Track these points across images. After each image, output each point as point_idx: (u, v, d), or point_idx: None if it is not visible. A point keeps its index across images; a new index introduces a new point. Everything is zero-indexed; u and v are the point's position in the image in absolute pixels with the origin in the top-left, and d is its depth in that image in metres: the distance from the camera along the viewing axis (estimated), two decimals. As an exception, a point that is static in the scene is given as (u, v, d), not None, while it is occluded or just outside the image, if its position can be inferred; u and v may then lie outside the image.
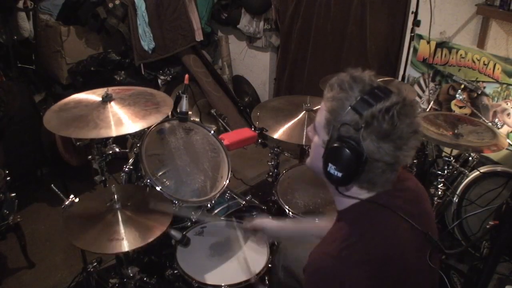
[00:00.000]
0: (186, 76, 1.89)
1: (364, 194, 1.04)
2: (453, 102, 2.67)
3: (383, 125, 0.93)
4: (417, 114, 0.99)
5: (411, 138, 0.97)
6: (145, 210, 1.64)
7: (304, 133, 2.08)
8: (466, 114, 2.53)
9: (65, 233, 1.54)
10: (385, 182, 1.02)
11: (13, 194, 2.22)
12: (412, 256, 1.04)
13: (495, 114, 2.48)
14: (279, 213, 2.10)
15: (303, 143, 2.09)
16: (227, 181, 1.94)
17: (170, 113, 1.96)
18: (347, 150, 0.94)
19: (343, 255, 0.98)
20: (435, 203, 2.15)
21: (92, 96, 1.85)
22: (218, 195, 1.90)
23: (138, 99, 1.86)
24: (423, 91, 2.82)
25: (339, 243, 1.00)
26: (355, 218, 1.06)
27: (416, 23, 2.64)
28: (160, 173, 1.95)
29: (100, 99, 1.80)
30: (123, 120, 1.70)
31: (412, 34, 2.69)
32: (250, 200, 2.07)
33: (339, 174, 0.98)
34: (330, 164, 0.98)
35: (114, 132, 1.64)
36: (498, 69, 2.40)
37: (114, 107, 1.76)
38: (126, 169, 2.00)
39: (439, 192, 2.13)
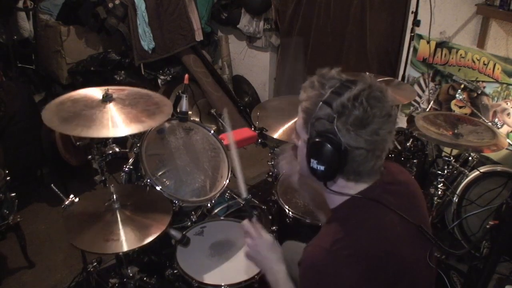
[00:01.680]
0: (186, 76, 1.89)
1: (353, 188, 1.06)
2: (453, 102, 2.67)
3: (355, 112, 0.97)
4: (388, 98, 1.02)
5: (386, 122, 1.00)
6: (145, 210, 1.64)
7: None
8: (466, 114, 2.53)
9: (65, 233, 1.54)
10: (371, 171, 1.04)
11: (13, 194, 2.22)
12: (407, 250, 1.05)
13: (495, 114, 2.48)
14: (279, 213, 2.10)
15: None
16: (227, 181, 1.94)
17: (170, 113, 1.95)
18: (325, 143, 0.98)
19: (335, 248, 0.99)
20: (435, 203, 2.15)
21: (90, 94, 1.80)
22: (218, 195, 1.90)
23: (137, 99, 1.84)
24: (423, 91, 2.82)
25: (331, 237, 1.02)
26: (346, 213, 1.07)
27: (416, 23, 2.64)
28: (160, 173, 1.95)
29: (99, 98, 1.76)
30: (127, 121, 1.68)
31: (412, 34, 2.69)
32: (250, 200, 2.07)
33: (322, 168, 1.01)
34: (312, 160, 1.02)
35: (117, 132, 1.63)
36: (498, 69, 2.40)
37: (114, 108, 1.74)
38: (126, 169, 2.00)
39: (439, 192, 2.13)
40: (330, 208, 1.13)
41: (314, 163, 1.02)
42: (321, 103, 1.00)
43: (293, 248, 1.70)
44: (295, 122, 1.15)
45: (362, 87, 0.99)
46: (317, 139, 1.00)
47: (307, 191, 1.53)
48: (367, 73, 2.18)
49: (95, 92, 1.80)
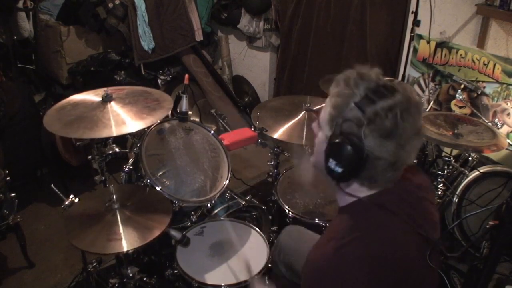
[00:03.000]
0: (186, 76, 1.89)
1: (364, 192, 1.05)
2: (453, 102, 2.67)
3: (386, 123, 0.94)
4: (421, 114, 0.99)
5: (413, 138, 0.98)
6: (145, 210, 1.64)
7: (304, 133, 2.08)
8: (466, 114, 2.53)
9: (65, 233, 1.54)
10: (387, 180, 1.02)
11: (13, 194, 2.22)
12: (413, 256, 1.04)
13: (495, 114, 2.48)
14: (279, 213, 2.10)
15: (303, 143, 2.09)
16: (227, 181, 1.94)
17: (170, 113, 1.96)
18: (348, 146, 0.95)
19: (340, 253, 0.98)
20: (435, 203, 2.15)
21: (89, 97, 1.84)
22: (218, 195, 1.90)
23: (137, 97, 1.86)
24: (423, 91, 2.82)
25: (336, 241, 1.01)
26: (354, 216, 1.06)
27: (416, 23, 2.64)
28: (160, 173, 1.95)
29: (98, 99, 1.79)
30: (128, 119, 1.71)
31: (412, 34, 2.69)
32: (250, 200, 2.07)
33: (339, 170, 0.99)
34: (331, 159, 0.99)
35: (120, 131, 1.65)
36: (498, 69, 2.40)
37: (115, 107, 1.77)
38: (126, 169, 2.00)
39: (439, 192, 2.13)
40: (339, 205, 1.12)
41: (332, 163, 0.99)
42: (353, 104, 0.97)
43: (294, 234, 1.70)
44: (319, 112, 1.10)
45: (400, 99, 0.96)
46: (340, 140, 0.97)
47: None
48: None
49: (94, 95, 1.84)
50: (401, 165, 1.01)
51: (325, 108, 1.05)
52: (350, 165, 0.97)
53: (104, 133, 1.63)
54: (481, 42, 2.45)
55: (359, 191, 1.05)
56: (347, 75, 1.02)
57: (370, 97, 0.96)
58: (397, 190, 1.06)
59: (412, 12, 2.62)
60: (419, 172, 1.19)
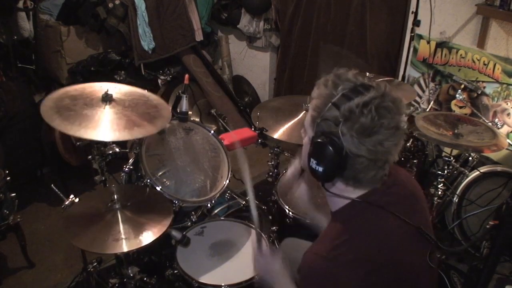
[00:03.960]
0: (186, 76, 1.89)
1: (351, 192, 1.05)
2: (453, 102, 2.67)
3: (362, 119, 0.95)
4: (400, 111, 1.00)
5: (392, 134, 0.98)
6: (145, 210, 1.64)
7: (304, 133, 2.08)
8: (466, 114, 2.53)
9: (65, 233, 1.54)
10: (372, 179, 1.03)
11: (13, 194, 2.22)
12: (408, 254, 1.04)
13: (495, 114, 2.48)
14: (279, 213, 2.10)
15: (303, 143, 2.08)
16: (227, 181, 1.94)
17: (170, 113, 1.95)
18: (327, 145, 0.97)
19: (334, 254, 0.99)
20: (435, 203, 2.15)
21: (88, 90, 1.76)
22: (218, 195, 1.90)
23: (136, 101, 1.82)
24: (423, 91, 2.82)
25: (330, 243, 1.01)
26: (347, 218, 1.06)
27: (416, 23, 2.64)
28: (160, 173, 1.95)
29: (98, 95, 1.72)
30: (126, 125, 1.64)
31: (412, 34, 2.69)
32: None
33: (320, 169, 1.00)
34: (312, 159, 1.02)
35: (119, 136, 1.59)
36: (498, 69, 2.40)
37: (115, 109, 1.70)
38: (126, 169, 2.00)
39: (439, 192, 2.13)
40: (331, 211, 1.13)
41: (313, 163, 1.01)
42: (330, 104, 0.99)
43: (292, 246, 1.71)
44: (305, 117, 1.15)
45: (374, 95, 0.97)
46: (320, 140, 0.99)
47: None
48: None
49: (92, 90, 1.76)
50: (383, 163, 1.02)
51: (308, 111, 1.09)
52: (330, 164, 0.99)
53: (103, 137, 1.59)
54: (481, 42, 2.45)
55: (345, 191, 1.06)
56: (325, 78, 1.05)
57: (346, 96, 0.98)
58: (387, 188, 1.06)
59: (412, 12, 2.62)
60: (402, 169, 1.20)
